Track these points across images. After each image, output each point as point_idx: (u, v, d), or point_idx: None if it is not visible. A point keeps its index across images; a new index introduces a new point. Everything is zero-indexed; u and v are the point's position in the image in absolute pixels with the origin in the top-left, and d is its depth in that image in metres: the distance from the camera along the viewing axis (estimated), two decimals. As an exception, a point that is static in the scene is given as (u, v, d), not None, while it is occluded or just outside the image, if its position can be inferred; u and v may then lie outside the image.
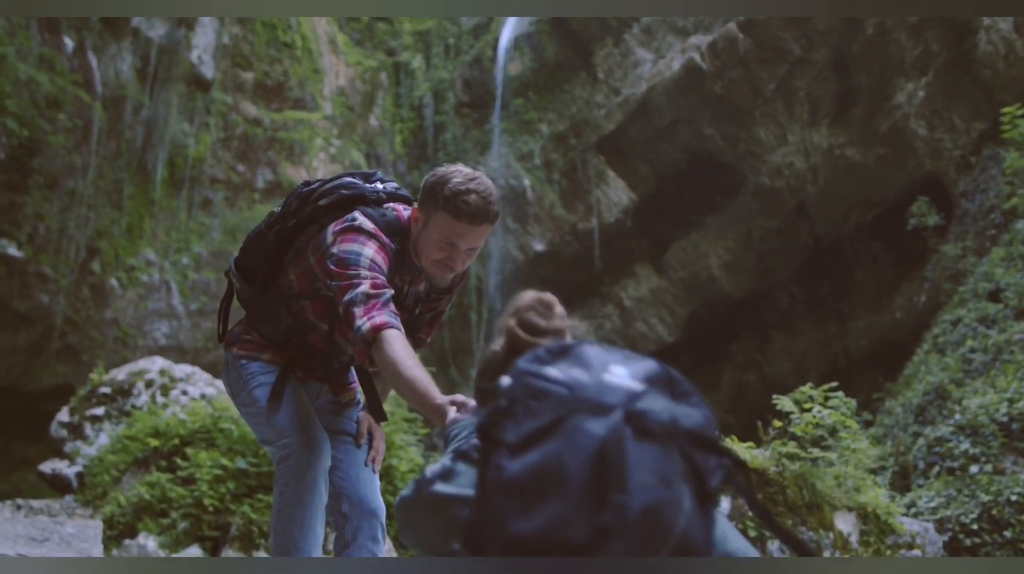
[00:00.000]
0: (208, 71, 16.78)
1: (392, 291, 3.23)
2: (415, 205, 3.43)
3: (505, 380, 1.80)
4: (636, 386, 1.75)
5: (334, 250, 3.28)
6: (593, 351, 1.83)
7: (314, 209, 3.51)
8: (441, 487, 2.05)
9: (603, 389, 1.73)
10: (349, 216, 3.40)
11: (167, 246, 16.36)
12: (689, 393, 1.80)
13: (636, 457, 1.64)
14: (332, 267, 3.24)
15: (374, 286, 3.17)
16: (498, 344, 2.35)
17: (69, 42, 14.44)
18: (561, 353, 1.82)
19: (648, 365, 1.82)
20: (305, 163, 17.66)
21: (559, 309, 2.32)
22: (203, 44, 16.64)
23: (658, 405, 1.74)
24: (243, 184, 17.34)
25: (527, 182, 18.20)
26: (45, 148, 13.99)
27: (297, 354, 3.63)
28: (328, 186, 3.55)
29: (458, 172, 3.27)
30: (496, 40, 19.03)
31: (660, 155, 17.63)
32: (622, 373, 1.78)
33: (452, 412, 2.58)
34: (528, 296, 2.35)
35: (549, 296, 2.34)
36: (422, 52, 19.95)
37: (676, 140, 17.36)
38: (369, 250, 3.28)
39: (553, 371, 1.77)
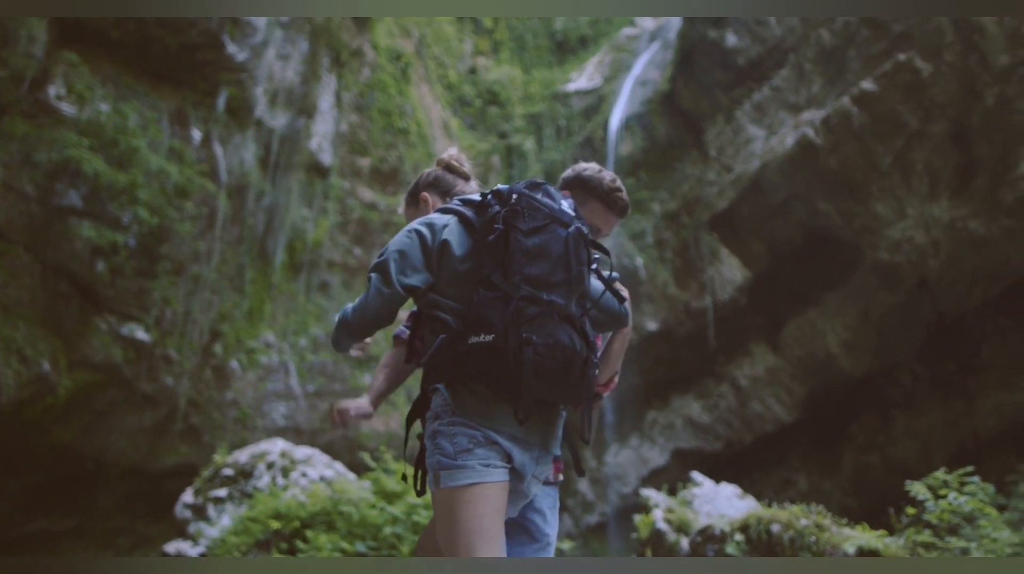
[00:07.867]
0: (327, 158, 17.28)
1: None
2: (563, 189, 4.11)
3: (514, 196, 3.36)
4: (572, 214, 3.43)
5: None
6: (552, 190, 3.50)
7: None
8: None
9: (563, 213, 3.40)
10: None
11: (286, 328, 16.71)
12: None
13: (575, 248, 3.33)
14: None
15: None
16: (431, 174, 4.03)
17: (197, 134, 15.03)
18: (537, 187, 3.46)
19: (572, 203, 3.53)
20: (419, 245, 17.90)
21: (467, 164, 4.13)
22: (322, 132, 17.17)
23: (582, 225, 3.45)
24: (359, 267, 17.69)
25: (640, 261, 18.15)
26: (173, 235, 14.45)
27: None
28: None
29: (606, 172, 4.01)
30: (607, 121, 19.18)
31: (774, 232, 17.37)
32: (567, 205, 3.46)
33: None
34: (448, 154, 4.11)
35: (459, 154, 4.11)
36: (533, 134, 20.23)
37: (790, 216, 17.10)
38: None
39: (539, 196, 3.41)
